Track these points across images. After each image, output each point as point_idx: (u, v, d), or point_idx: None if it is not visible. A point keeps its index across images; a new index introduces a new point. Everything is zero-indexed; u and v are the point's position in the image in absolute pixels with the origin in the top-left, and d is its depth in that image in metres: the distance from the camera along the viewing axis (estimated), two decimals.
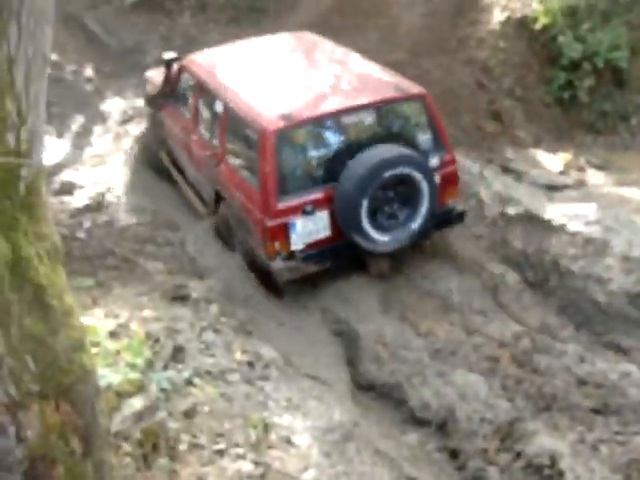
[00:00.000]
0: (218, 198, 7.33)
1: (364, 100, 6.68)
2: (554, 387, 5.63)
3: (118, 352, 4.95)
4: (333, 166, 6.51)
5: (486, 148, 9.35)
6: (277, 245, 6.38)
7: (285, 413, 4.83)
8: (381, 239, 6.52)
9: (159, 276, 6.51)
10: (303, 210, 6.37)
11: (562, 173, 9.09)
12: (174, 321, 5.46)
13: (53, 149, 9.46)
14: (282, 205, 6.34)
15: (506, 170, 8.87)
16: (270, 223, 6.34)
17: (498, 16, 11.41)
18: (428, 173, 6.52)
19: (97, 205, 8.33)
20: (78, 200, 8.40)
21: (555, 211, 7.75)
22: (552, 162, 9.36)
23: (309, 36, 8.53)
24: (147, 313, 5.57)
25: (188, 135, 7.93)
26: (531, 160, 9.38)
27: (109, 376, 4.48)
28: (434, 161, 6.76)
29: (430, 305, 6.92)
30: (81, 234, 7.46)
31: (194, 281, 6.49)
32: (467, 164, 8.53)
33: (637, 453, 5.02)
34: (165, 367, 4.83)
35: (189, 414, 4.48)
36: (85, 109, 10.80)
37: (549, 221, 7.61)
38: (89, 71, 11.52)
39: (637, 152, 9.92)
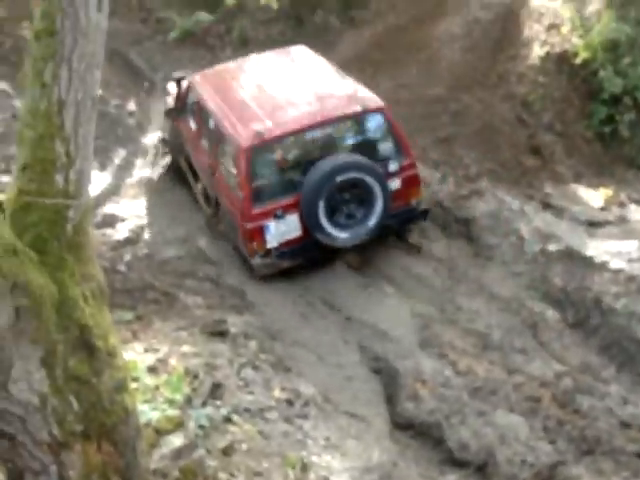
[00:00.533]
0: (217, 202, 8.18)
1: (328, 116, 7.47)
2: (597, 430, 5.52)
3: (157, 387, 4.97)
4: (300, 175, 7.34)
5: (526, 184, 9.28)
6: (255, 245, 7.29)
7: (324, 452, 4.79)
8: (340, 236, 7.30)
9: (198, 310, 6.54)
10: (275, 214, 7.23)
11: (603, 209, 8.96)
12: (213, 357, 5.47)
13: (96, 182, 9.62)
14: (257, 210, 7.22)
15: (546, 206, 8.77)
16: (248, 226, 7.25)
17: (538, 51, 11.38)
18: (379, 177, 7.23)
19: (137, 237, 8.43)
20: (119, 233, 8.50)
21: (596, 248, 7.66)
22: (593, 198, 9.25)
23: (301, 51, 9.26)
24: (186, 348, 5.59)
25: (196, 145, 8.77)
26: (571, 196, 9.28)
27: (148, 412, 4.50)
28: (393, 166, 7.45)
29: (469, 342, 6.85)
30: (122, 267, 7.53)
31: (233, 316, 6.51)
32: (507, 200, 8.49)
33: None
34: (204, 404, 4.83)
35: (227, 452, 4.47)
36: (127, 142, 10.97)
37: (590, 258, 7.52)
38: (132, 105, 11.72)
39: None
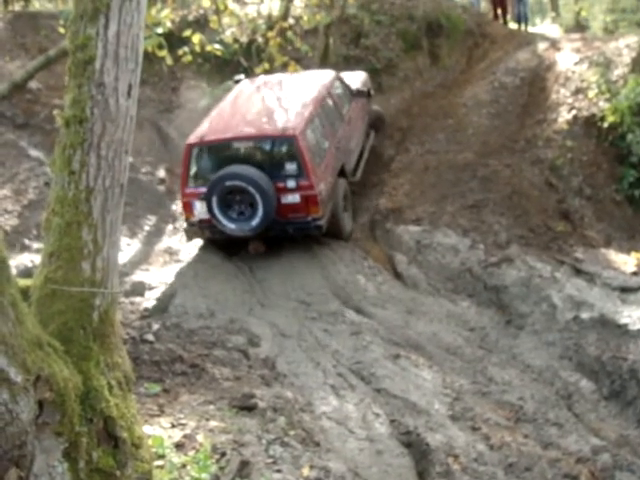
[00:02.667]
0: None
1: (250, 134, 9.30)
2: None
3: (183, 466, 4.88)
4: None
5: (556, 249, 9.18)
6: (186, 215, 9.51)
7: None
8: (229, 226, 9.07)
9: (226, 383, 6.46)
10: (199, 197, 9.20)
11: (635, 274, 8.84)
12: (241, 433, 5.37)
13: (125, 249, 9.69)
14: (188, 191, 9.34)
15: (578, 272, 8.66)
16: (183, 200, 9.51)
17: (565, 115, 11.41)
18: (260, 188, 8.81)
19: (166, 306, 8.41)
20: (148, 301, 8.50)
21: (631, 315, 7.52)
22: (625, 262, 9.13)
23: (320, 75, 11.00)
24: (213, 424, 5.50)
25: None
26: (603, 261, 9.16)
27: None
28: (291, 183, 9.01)
29: (502, 415, 6.69)
30: (150, 337, 7.49)
31: (261, 388, 6.42)
32: (538, 266, 8.39)
33: None
34: None
35: None
36: (157, 209, 11.08)
37: (625, 326, 7.38)
38: (162, 172, 11.86)
39: None
